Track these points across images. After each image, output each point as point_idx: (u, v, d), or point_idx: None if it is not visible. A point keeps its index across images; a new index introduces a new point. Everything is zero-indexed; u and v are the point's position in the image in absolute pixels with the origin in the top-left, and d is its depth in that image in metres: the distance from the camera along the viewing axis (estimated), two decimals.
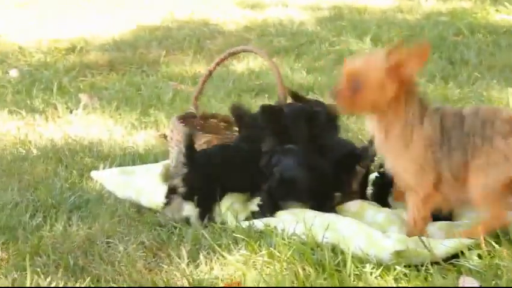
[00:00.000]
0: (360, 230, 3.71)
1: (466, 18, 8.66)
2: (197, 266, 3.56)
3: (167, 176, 4.50)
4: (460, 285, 3.25)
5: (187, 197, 4.11)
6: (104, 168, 4.77)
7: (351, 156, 4.32)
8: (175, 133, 4.54)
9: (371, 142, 4.36)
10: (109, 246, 3.81)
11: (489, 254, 3.51)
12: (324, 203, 4.09)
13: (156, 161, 4.84)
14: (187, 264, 3.57)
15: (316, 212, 3.97)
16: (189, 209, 4.14)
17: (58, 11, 9.93)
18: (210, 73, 4.90)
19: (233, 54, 5.06)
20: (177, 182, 4.14)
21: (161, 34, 8.61)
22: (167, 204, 4.14)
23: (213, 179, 4.14)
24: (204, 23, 9.06)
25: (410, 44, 3.57)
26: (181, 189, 4.13)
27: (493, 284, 3.26)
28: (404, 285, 3.30)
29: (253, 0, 10.25)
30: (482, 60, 7.04)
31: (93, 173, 4.69)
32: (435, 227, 3.82)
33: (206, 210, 4.08)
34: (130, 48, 8.02)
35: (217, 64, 4.90)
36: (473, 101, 5.79)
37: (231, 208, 4.12)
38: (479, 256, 3.51)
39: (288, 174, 4.10)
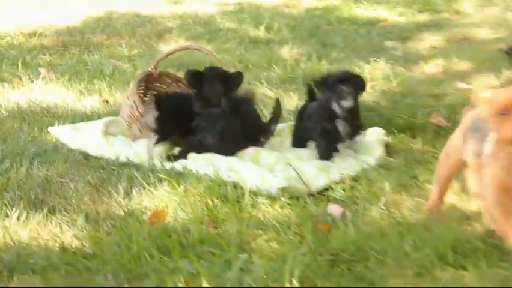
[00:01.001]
0: (255, 171, 3.72)
1: (334, 12, 8.69)
2: (130, 199, 3.55)
3: (107, 131, 4.44)
4: (328, 211, 3.29)
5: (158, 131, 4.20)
6: (59, 125, 4.67)
7: (259, 128, 4.31)
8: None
9: (274, 118, 4.34)
10: (62, 185, 3.78)
11: (351, 188, 3.56)
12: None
13: (99, 118, 4.75)
14: (123, 198, 3.55)
15: (223, 156, 3.96)
16: (128, 154, 4.11)
17: (19, 5, 9.66)
18: (175, 51, 4.92)
19: (186, 49, 5.34)
20: (150, 120, 4.23)
21: (104, 23, 8.42)
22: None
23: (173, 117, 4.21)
24: (136, 15, 8.90)
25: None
26: (154, 126, 4.20)
27: (352, 209, 3.31)
28: (288, 211, 3.32)
29: None
30: (347, 44, 7.08)
31: (50, 129, 4.59)
32: (315, 167, 3.82)
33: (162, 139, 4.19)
34: (79, 34, 7.85)
35: (178, 50, 5.07)
36: None
37: (157, 155, 4.08)
38: (343, 189, 3.56)
39: (205, 142, 4.09)
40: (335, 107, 4.02)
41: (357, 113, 4.12)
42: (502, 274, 2.66)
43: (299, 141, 4.31)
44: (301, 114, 4.32)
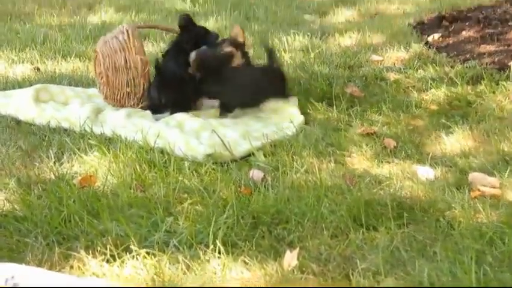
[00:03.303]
0: (181, 138, 3.66)
1: None
2: (61, 164, 3.46)
3: (38, 98, 4.27)
4: (250, 176, 3.27)
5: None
6: None
7: None
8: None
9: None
10: None
11: (271, 154, 3.54)
12: None
13: (30, 86, 4.59)
14: (54, 163, 3.46)
15: (151, 123, 3.88)
16: (59, 118, 3.98)
17: None
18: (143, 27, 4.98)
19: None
20: None
21: None
22: None
23: None
24: None
25: None
26: None
27: (272, 175, 3.30)
28: (212, 176, 3.28)
29: None
30: (268, 17, 7.03)
31: None
32: (238, 134, 3.78)
33: None
34: (11, 3, 7.61)
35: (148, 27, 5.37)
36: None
37: (87, 119, 3.96)
38: (264, 155, 3.54)
39: None
40: None
41: None
42: (410, 234, 2.70)
43: None
44: None
